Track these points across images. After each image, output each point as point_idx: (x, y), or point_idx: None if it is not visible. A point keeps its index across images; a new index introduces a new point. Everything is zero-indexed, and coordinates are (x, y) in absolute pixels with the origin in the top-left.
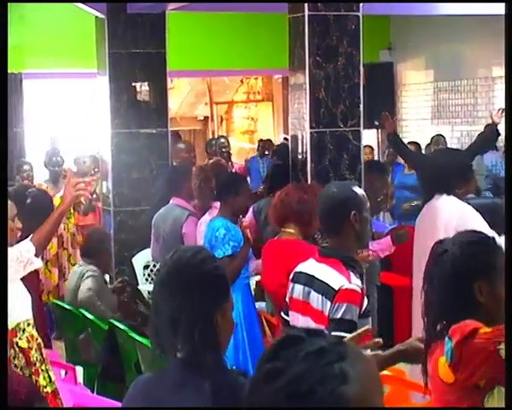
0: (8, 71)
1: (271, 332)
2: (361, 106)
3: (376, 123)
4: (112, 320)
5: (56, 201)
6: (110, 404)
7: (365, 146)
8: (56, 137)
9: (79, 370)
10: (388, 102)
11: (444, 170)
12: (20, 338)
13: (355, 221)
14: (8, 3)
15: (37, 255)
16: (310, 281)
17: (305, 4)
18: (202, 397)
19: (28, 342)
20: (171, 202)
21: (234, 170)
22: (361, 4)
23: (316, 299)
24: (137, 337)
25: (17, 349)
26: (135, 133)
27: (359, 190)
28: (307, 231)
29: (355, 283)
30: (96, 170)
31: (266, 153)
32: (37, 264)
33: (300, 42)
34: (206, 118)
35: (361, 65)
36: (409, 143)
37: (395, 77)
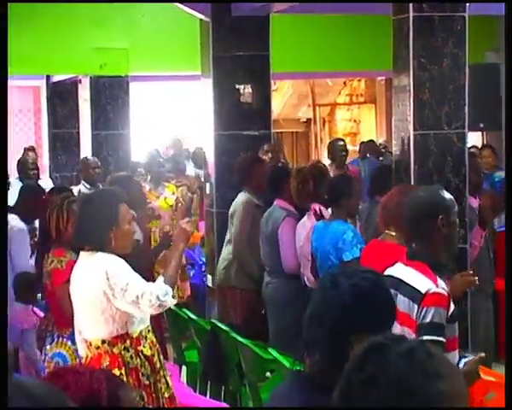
0: (115, 74)
1: None
2: (466, 108)
3: (481, 125)
4: (213, 320)
5: (161, 203)
6: (212, 404)
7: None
8: (177, 139)
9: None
10: (494, 104)
11: None
12: (143, 346)
13: (442, 226)
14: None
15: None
16: (397, 284)
17: (410, 5)
18: None
19: (150, 348)
20: (274, 203)
21: (348, 172)
22: (467, 4)
23: (402, 302)
24: (239, 338)
25: (143, 358)
26: (238, 135)
27: (447, 195)
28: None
29: (442, 286)
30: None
31: (368, 155)
32: (172, 303)
33: (405, 43)
34: (308, 120)
35: (466, 66)
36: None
37: (501, 78)
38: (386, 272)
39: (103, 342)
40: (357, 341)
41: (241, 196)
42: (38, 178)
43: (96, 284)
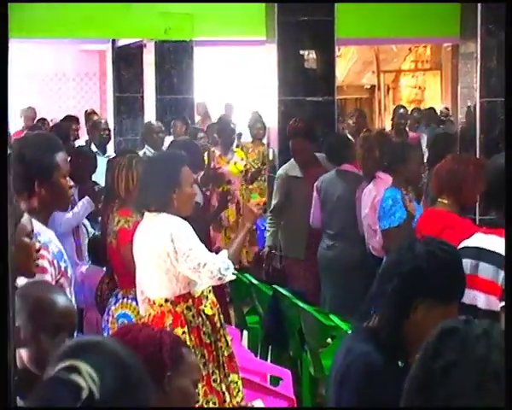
0: (180, 38)
1: None
2: None
3: None
4: (275, 286)
5: (231, 168)
6: (273, 369)
7: None
8: (229, 104)
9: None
10: None
11: None
12: (205, 305)
13: None
14: None
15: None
16: (477, 254)
17: None
18: (364, 368)
19: (211, 308)
20: (341, 167)
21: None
22: None
23: (487, 270)
24: (300, 304)
25: (204, 317)
26: (301, 101)
27: None
28: (460, 203)
29: None
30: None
31: (430, 123)
32: (231, 278)
33: (473, 10)
34: (372, 87)
35: None
36: None
37: None
38: (461, 245)
39: (166, 300)
40: (421, 305)
41: (284, 166)
42: (109, 139)
43: (160, 245)
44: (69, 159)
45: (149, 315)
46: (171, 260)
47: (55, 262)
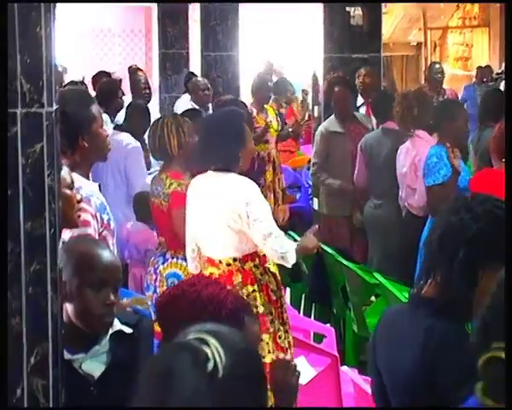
0: None
1: None
2: None
3: None
4: (319, 243)
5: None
6: (317, 326)
7: None
8: (268, 61)
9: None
10: None
11: None
12: (269, 263)
13: None
14: None
15: None
16: None
17: None
18: (430, 340)
19: (274, 265)
20: (384, 126)
21: (446, 96)
22: None
23: None
24: (344, 261)
25: (270, 274)
26: (347, 58)
27: None
28: None
29: None
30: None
31: (484, 80)
32: (291, 263)
33: None
34: (419, 44)
35: None
36: None
37: None
38: None
39: (234, 260)
40: (488, 270)
41: (324, 123)
42: (150, 98)
43: (233, 206)
44: (126, 113)
45: (211, 274)
46: (242, 221)
47: (98, 215)
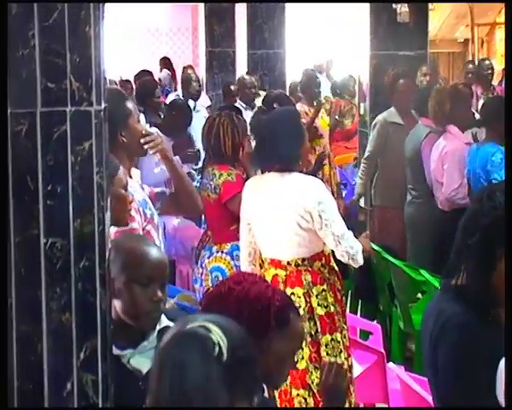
0: None
1: None
2: None
3: None
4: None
5: (321, 121)
6: (362, 323)
7: None
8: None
9: None
10: None
11: None
12: (332, 262)
13: None
14: None
15: None
16: None
17: None
18: (454, 328)
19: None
20: (419, 121)
21: (495, 93)
22: None
23: None
24: (391, 258)
25: (335, 273)
26: (393, 55)
27: None
28: None
29: None
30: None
31: None
32: (356, 265)
33: None
34: (466, 40)
35: None
36: None
37: None
38: None
39: (303, 260)
40: (502, 254)
41: (382, 114)
42: (199, 95)
43: (303, 205)
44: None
45: (275, 275)
46: (313, 222)
47: (141, 210)
